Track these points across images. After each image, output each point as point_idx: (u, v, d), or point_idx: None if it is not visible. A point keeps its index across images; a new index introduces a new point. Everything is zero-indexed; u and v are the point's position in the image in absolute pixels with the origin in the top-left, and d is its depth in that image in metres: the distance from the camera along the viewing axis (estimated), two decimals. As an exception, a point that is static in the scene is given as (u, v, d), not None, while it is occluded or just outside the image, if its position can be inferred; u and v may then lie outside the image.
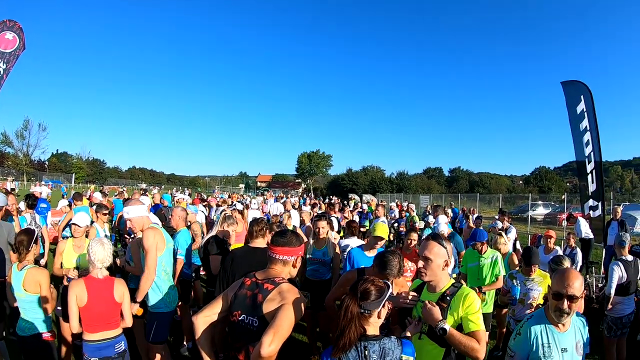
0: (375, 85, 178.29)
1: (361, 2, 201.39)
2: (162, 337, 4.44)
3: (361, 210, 19.77)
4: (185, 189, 49.95)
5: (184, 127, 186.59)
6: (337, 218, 11.26)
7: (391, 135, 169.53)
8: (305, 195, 60.72)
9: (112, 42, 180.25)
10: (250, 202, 20.86)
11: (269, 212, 15.27)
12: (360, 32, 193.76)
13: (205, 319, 2.91)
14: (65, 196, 20.52)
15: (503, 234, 7.59)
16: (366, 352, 2.45)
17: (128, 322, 3.99)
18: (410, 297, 3.19)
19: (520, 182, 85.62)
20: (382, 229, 5.20)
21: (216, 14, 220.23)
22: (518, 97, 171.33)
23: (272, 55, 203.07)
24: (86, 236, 5.71)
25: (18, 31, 10.97)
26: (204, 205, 15.18)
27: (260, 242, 4.47)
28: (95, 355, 3.73)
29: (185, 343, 6.19)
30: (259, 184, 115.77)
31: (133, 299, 4.16)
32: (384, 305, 2.57)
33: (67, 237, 5.88)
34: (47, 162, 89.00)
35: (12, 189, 22.09)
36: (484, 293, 6.00)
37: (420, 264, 3.13)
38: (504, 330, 6.30)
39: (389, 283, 2.70)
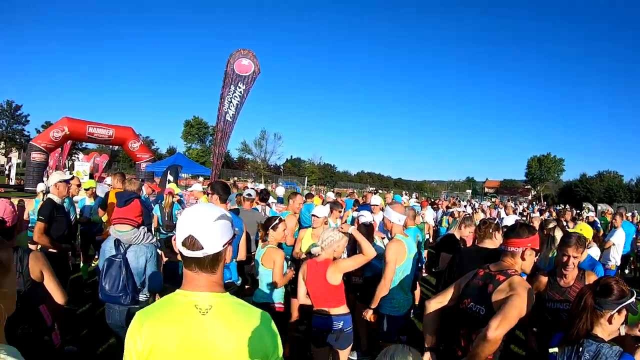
0: (610, 81, 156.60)
1: None
2: (391, 337, 4.84)
3: (591, 219, 18.19)
4: (414, 193, 50.96)
5: (410, 132, 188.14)
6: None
7: (631, 135, 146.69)
8: (534, 202, 57.33)
9: (334, 55, 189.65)
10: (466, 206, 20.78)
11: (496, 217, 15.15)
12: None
13: (437, 304, 3.28)
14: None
15: None
16: (580, 349, 2.44)
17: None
18: None
19: None
20: None
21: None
22: None
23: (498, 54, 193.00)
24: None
25: (252, 58, 13.03)
26: (433, 208, 15.78)
27: (488, 243, 4.54)
28: (317, 325, 4.27)
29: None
30: (486, 189, 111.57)
31: (371, 308, 4.73)
32: (619, 312, 2.47)
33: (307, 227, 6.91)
34: (282, 167, 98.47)
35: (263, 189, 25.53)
36: None
37: None
38: None
39: (634, 292, 2.59)
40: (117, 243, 4.46)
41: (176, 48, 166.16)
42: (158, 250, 4.68)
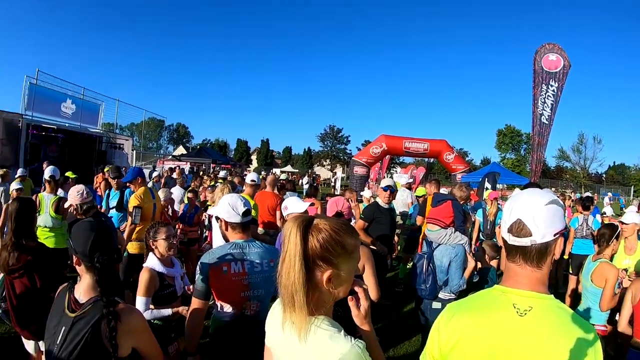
0: None
1: None
2: None
3: None
4: None
5: None
6: None
7: None
8: None
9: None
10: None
11: None
12: None
13: None
14: (623, 208, 20.69)
15: None
16: None
17: None
18: None
19: None
20: None
21: None
22: None
23: None
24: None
25: (559, 51, 12.20)
26: None
27: None
28: (635, 358, 3.63)
29: None
30: None
31: None
32: None
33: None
34: (604, 175, 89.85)
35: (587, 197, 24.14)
36: None
37: None
38: None
39: None
40: (428, 241, 4.81)
41: (478, 56, 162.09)
42: (467, 254, 4.74)
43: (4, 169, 10.81)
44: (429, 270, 4.53)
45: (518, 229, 1.56)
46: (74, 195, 4.74)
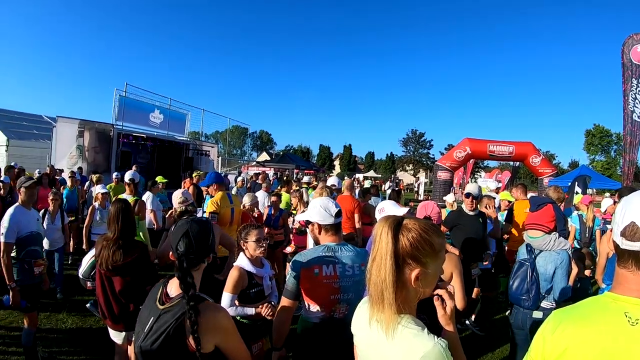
0: None
1: None
2: None
3: None
4: None
5: None
6: None
7: None
8: None
9: None
10: None
11: None
12: None
13: None
14: None
15: None
16: None
17: None
18: None
19: None
20: None
21: None
22: None
23: None
24: None
25: None
26: None
27: None
28: None
29: None
30: None
31: None
32: None
33: None
34: None
35: None
36: None
37: None
38: None
39: None
40: (529, 247, 4.62)
41: (563, 51, 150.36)
42: (571, 260, 4.56)
43: (98, 174, 11.80)
44: (532, 279, 4.38)
45: (632, 232, 1.45)
46: (173, 200, 5.09)
